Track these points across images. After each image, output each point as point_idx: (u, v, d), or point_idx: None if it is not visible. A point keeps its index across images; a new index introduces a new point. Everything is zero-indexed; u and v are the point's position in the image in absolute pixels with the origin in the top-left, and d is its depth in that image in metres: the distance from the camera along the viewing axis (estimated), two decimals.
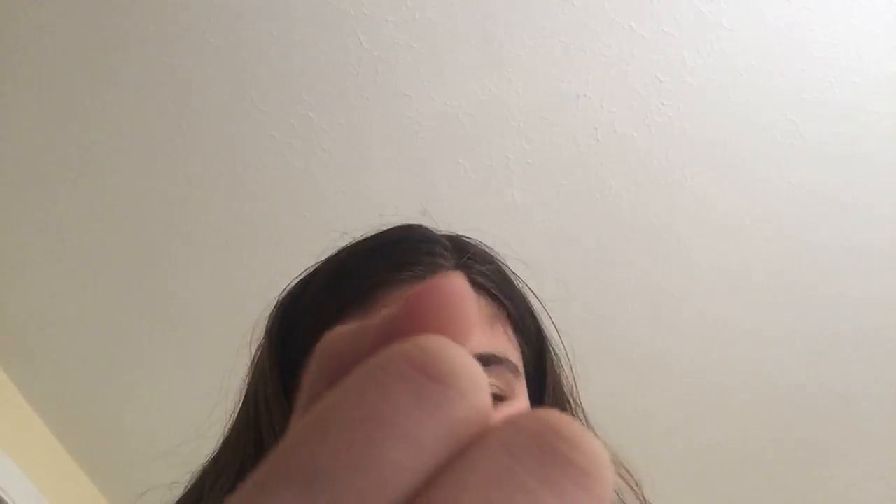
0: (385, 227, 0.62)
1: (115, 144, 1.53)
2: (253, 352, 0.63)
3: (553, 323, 0.64)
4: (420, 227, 0.62)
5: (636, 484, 0.57)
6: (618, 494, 0.56)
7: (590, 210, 1.60)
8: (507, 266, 0.62)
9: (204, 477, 0.58)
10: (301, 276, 0.63)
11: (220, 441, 0.60)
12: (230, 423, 0.60)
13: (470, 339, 0.18)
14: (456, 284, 0.18)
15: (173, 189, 1.59)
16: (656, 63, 1.44)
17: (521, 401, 0.55)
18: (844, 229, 1.63)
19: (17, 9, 1.37)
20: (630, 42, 1.42)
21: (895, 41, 1.42)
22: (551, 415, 0.16)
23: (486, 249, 0.62)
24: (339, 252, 0.61)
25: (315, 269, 0.62)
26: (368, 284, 0.56)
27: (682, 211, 1.61)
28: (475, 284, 0.58)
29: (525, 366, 0.59)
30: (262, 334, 0.62)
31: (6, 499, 1.69)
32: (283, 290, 0.63)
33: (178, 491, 0.58)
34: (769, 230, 1.64)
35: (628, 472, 0.58)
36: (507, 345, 0.57)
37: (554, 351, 0.63)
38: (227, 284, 1.73)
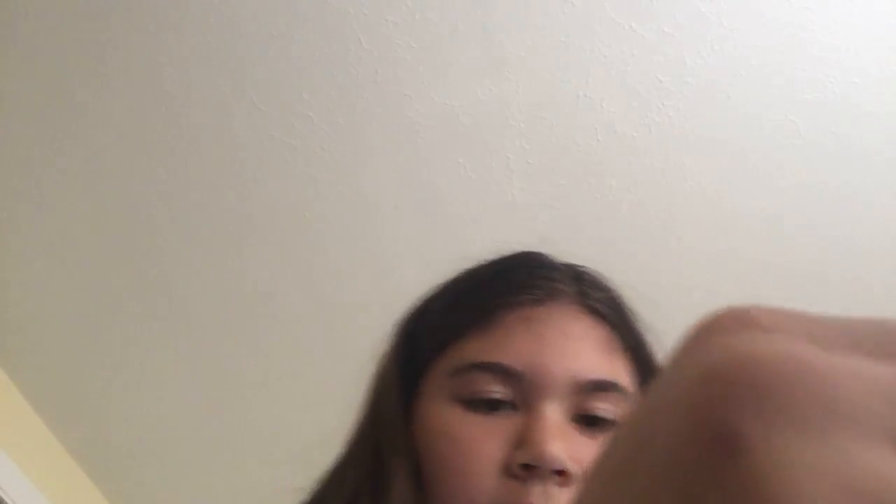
0: (504, 254, 0.64)
1: (114, 144, 1.53)
2: (376, 367, 0.64)
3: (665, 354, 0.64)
4: (538, 253, 0.65)
5: None
6: None
7: (590, 210, 1.60)
8: (621, 296, 0.64)
9: (325, 486, 0.59)
10: (423, 297, 0.65)
11: (342, 450, 0.61)
12: (352, 432, 0.62)
13: None
14: None
15: (173, 189, 1.59)
16: (656, 63, 1.44)
17: None
18: (844, 229, 1.63)
19: (16, 6, 1.37)
20: (630, 42, 1.42)
21: (895, 41, 1.42)
22: None
23: (602, 278, 0.64)
24: (460, 275, 0.64)
25: (436, 291, 0.64)
26: (489, 307, 0.57)
27: (682, 211, 1.61)
28: (593, 311, 0.59)
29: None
30: (386, 351, 0.64)
31: (6, 499, 1.69)
32: (407, 310, 0.65)
33: (301, 496, 0.59)
34: (769, 230, 1.64)
35: None
36: (622, 373, 0.58)
37: None
38: (228, 284, 1.73)
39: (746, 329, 0.15)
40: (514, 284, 0.59)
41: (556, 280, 0.60)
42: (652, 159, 1.55)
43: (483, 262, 0.64)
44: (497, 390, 0.54)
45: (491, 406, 0.54)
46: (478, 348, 0.56)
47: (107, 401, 1.92)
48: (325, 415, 1.92)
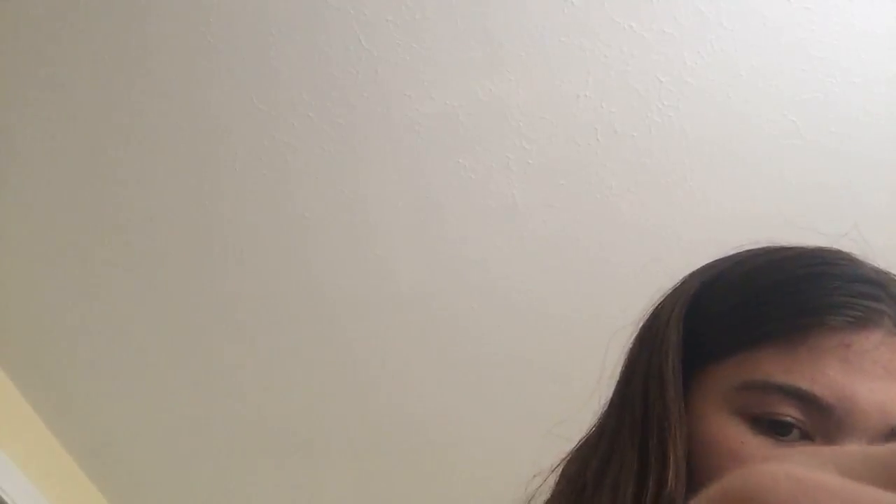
0: (809, 250, 0.56)
1: (111, 144, 1.53)
2: (631, 344, 0.58)
3: None
4: (850, 257, 0.57)
5: None
6: None
7: (590, 210, 1.60)
8: None
9: (584, 468, 0.54)
10: (706, 276, 0.58)
11: (595, 431, 0.56)
12: (606, 412, 0.57)
13: None
14: None
15: (173, 190, 1.59)
16: (656, 63, 1.44)
17: None
18: (844, 229, 1.63)
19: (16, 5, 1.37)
20: (630, 42, 1.42)
21: (894, 41, 1.42)
22: None
23: None
24: (757, 263, 0.56)
25: (726, 276, 0.57)
26: (801, 323, 0.50)
27: (682, 211, 1.61)
28: None
29: None
30: (655, 328, 0.58)
31: (6, 499, 1.69)
32: (684, 287, 0.59)
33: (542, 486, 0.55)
34: (769, 230, 1.63)
35: None
36: None
37: None
38: (227, 284, 1.73)
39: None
40: (830, 299, 0.51)
41: (878, 300, 0.52)
42: (652, 159, 1.55)
43: (785, 254, 0.56)
44: (791, 415, 0.48)
45: (781, 431, 0.48)
46: (780, 367, 0.49)
47: (107, 401, 1.92)
48: (325, 413, 1.92)
